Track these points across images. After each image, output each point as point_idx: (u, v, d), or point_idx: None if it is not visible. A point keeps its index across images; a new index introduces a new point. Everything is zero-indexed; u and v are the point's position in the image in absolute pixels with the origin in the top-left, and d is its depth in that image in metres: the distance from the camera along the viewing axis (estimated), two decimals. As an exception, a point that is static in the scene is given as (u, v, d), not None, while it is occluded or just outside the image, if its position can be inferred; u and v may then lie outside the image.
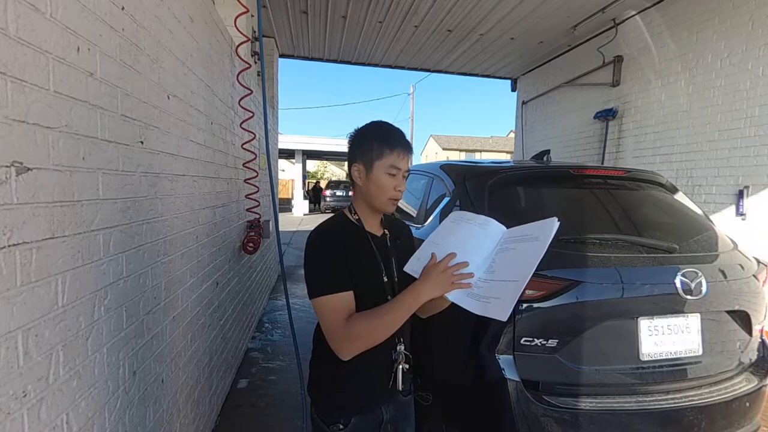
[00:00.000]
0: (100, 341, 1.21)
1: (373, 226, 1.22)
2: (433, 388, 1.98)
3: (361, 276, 1.12)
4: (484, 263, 1.12)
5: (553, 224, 1.07)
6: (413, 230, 2.52)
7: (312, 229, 1.18)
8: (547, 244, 1.04)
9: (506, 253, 1.11)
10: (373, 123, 1.21)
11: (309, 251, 1.12)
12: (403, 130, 1.20)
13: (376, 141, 1.14)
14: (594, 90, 6.02)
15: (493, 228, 1.16)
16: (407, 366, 1.19)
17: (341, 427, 1.15)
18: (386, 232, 1.25)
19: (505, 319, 1.01)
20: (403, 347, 1.19)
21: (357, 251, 1.14)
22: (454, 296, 1.09)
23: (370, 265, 1.16)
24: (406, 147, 1.15)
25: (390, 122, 1.22)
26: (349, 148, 1.20)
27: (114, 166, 1.27)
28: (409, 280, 1.20)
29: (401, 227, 1.37)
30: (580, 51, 6.33)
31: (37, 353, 0.93)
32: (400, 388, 1.17)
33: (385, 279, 1.17)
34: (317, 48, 7.04)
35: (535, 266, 1.02)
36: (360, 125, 1.22)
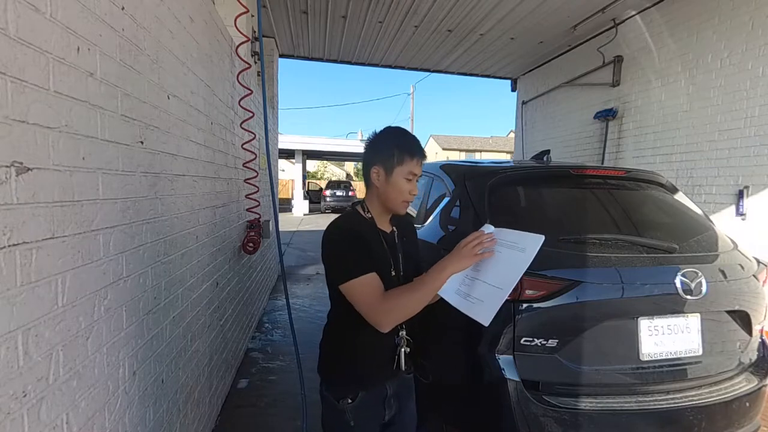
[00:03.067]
0: (100, 341, 1.21)
1: (383, 223, 1.31)
2: (434, 385, 1.99)
3: (374, 269, 1.20)
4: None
5: (539, 240, 1.12)
6: (413, 230, 2.54)
7: (329, 223, 1.26)
8: (532, 259, 1.10)
9: (493, 254, 1.17)
10: (392, 129, 1.29)
11: (331, 241, 1.21)
12: (417, 138, 1.29)
13: (398, 148, 1.22)
14: (594, 90, 6.02)
15: (486, 228, 1.24)
16: (408, 349, 1.28)
17: (350, 401, 1.24)
18: (394, 229, 1.34)
19: (486, 324, 1.10)
20: (405, 332, 1.28)
21: (371, 246, 1.23)
22: (443, 289, 1.18)
23: (381, 259, 1.24)
24: (423, 155, 1.25)
25: (405, 128, 1.31)
26: (368, 150, 1.27)
27: (114, 166, 1.27)
28: (413, 274, 1.31)
29: (407, 223, 1.45)
30: (580, 51, 6.33)
31: (37, 353, 0.93)
32: (403, 368, 1.27)
33: (393, 273, 1.26)
34: (317, 48, 7.04)
35: (519, 278, 1.09)
36: (378, 129, 1.30)
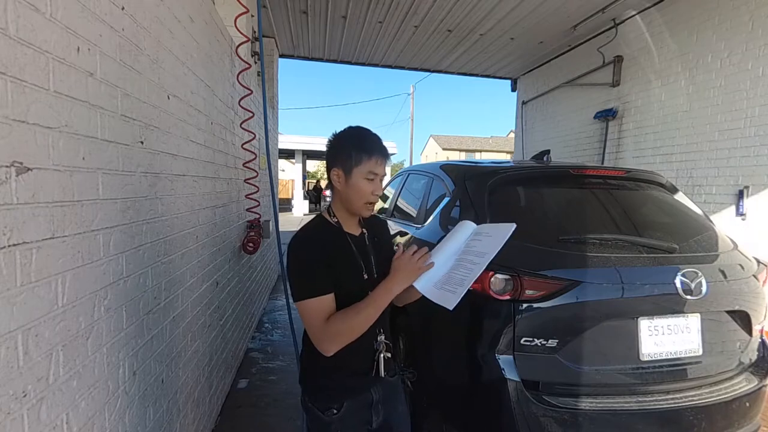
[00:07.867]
0: (100, 341, 1.21)
1: (351, 226, 1.28)
2: (432, 387, 1.99)
3: (343, 276, 1.18)
4: (452, 257, 1.21)
5: (509, 228, 1.16)
6: (413, 230, 2.54)
7: (294, 235, 1.20)
8: (501, 245, 1.13)
9: (470, 249, 1.20)
10: (350, 129, 1.25)
11: (291, 256, 1.16)
12: (379, 135, 1.25)
13: (355, 148, 1.19)
14: (594, 90, 6.02)
15: (467, 225, 1.27)
16: (389, 354, 1.26)
17: (335, 411, 1.21)
18: (364, 231, 1.31)
19: (451, 308, 1.08)
20: (383, 337, 1.26)
21: (338, 252, 1.20)
22: (421, 286, 1.18)
23: (351, 264, 1.22)
24: (383, 153, 1.21)
25: (367, 127, 1.26)
26: (328, 152, 1.25)
27: (114, 166, 1.27)
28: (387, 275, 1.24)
29: (378, 224, 1.41)
30: (580, 51, 6.33)
31: (37, 353, 0.93)
32: (383, 375, 1.24)
33: (365, 276, 1.23)
34: (317, 48, 7.04)
35: (487, 263, 1.10)
36: (338, 130, 1.26)
